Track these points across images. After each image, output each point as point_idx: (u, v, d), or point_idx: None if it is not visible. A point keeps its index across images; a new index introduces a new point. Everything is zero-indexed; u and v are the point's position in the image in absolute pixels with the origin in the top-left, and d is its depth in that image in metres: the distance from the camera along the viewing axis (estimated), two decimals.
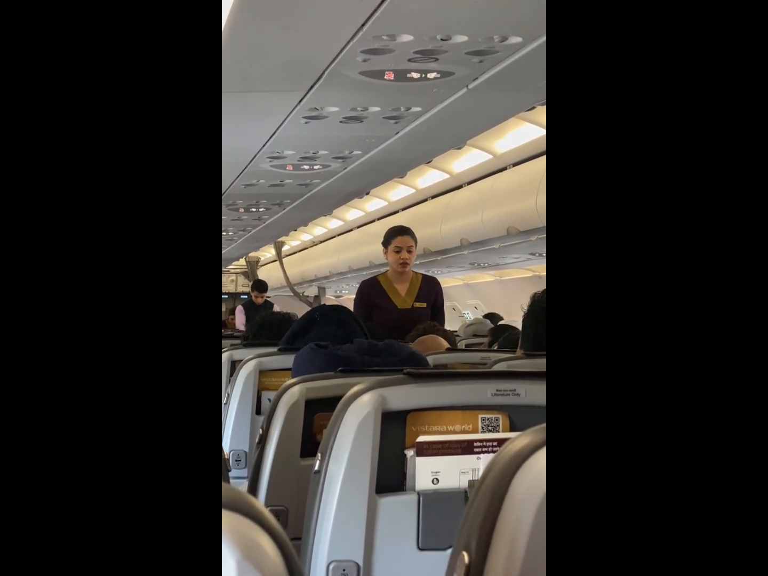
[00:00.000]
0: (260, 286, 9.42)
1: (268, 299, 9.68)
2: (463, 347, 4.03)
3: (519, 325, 5.25)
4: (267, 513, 0.66)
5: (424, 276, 4.76)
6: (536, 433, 0.78)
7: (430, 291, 4.65)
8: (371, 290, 4.65)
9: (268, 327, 3.40)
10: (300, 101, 3.29)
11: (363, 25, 2.46)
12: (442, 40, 2.58)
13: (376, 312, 4.56)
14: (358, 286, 4.87)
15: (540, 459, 0.75)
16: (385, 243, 4.65)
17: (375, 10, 2.36)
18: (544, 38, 2.53)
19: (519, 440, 0.79)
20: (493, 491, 0.76)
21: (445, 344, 3.28)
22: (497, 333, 4.62)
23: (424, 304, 4.58)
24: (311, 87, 3.09)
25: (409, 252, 4.58)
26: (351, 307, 4.61)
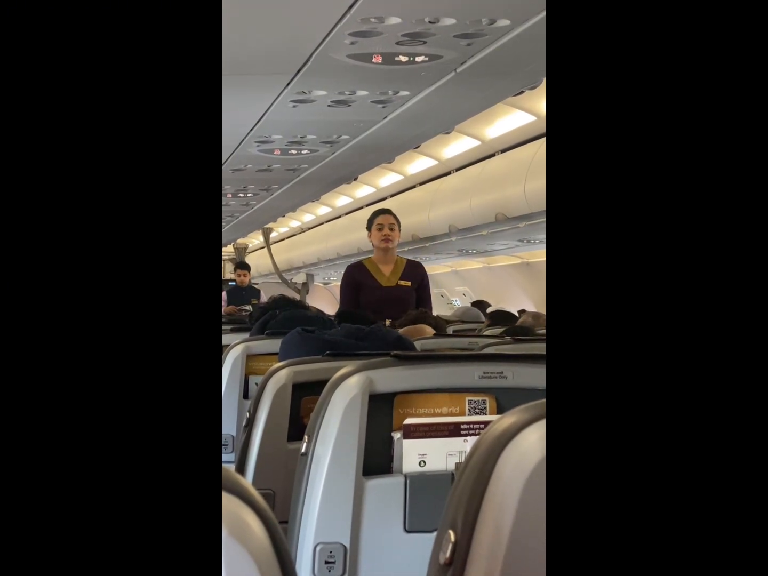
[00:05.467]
0: (243, 264, 9.47)
1: (255, 285, 9.65)
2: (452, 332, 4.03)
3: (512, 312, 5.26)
4: (253, 491, 0.65)
5: (409, 260, 4.88)
6: (522, 412, 0.78)
7: (415, 273, 4.78)
8: (357, 272, 4.78)
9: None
10: (287, 85, 3.28)
11: (351, 7, 2.45)
12: (430, 22, 2.57)
13: (363, 292, 4.67)
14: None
15: (526, 437, 0.75)
16: (369, 225, 4.78)
17: None
18: (532, 21, 2.52)
19: (505, 419, 0.78)
20: (480, 469, 0.76)
21: (431, 332, 3.27)
22: (496, 317, 4.61)
23: (409, 283, 4.71)
24: (299, 70, 3.08)
25: (391, 230, 4.70)
26: (337, 292, 4.70)
